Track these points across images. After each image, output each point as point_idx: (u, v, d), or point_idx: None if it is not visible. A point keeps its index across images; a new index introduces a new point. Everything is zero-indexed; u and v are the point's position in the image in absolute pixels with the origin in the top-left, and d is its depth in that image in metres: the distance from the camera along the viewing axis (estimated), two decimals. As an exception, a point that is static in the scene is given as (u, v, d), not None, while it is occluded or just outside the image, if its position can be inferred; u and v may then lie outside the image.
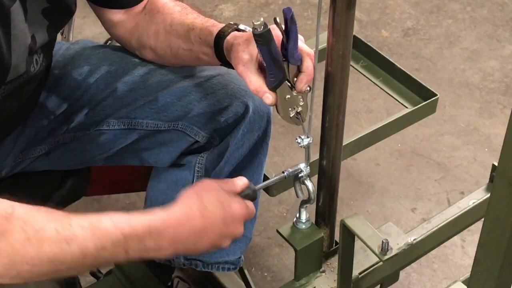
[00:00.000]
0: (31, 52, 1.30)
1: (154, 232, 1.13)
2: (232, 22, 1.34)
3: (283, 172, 1.36)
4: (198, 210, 1.18)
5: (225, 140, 1.49)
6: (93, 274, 1.71)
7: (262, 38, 1.15)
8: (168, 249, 1.15)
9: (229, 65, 1.32)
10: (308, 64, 1.23)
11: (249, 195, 1.26)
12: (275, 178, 1.35)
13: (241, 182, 1.27)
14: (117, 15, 1.45)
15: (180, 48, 1.40)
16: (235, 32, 1.31)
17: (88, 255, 1.07)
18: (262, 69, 1.24)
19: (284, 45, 1.19)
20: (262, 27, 1.15)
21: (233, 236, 1.23)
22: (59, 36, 1.95)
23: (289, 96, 1.24)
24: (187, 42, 1.38)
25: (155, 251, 1.14)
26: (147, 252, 1.13)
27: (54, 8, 1.30)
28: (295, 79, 1.23)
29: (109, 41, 1.83)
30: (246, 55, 1.24)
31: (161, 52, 1.44)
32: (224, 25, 1.34)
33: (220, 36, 1.31)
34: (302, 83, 1.23)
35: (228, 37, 1.30)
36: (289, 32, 1.17)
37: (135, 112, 1.48)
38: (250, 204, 1.26)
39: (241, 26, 1.33)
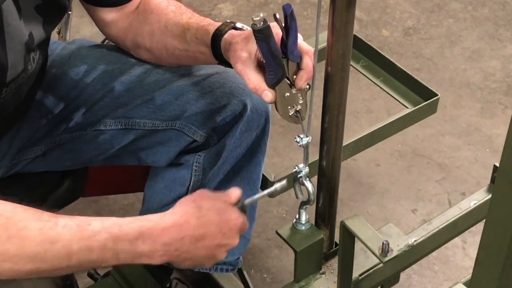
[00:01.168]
0: (29, 50, 1.29)
1: (146, 235, 1.11)
2: (229, 21, 1.34)
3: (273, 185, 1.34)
4: (194, 216, 1.16)
5: (223, 139, 1.49)
6: (90, 275, 1.71)
7: (261, 34, 1.15)
8: (161, 255, 1.13)
9: (226, 64, 1.32)
10: (307, 61, 1.22)
11: (242, 207, 1.25)
12: (265, 192, 1.33)
13: (235, 193, 1.25)
14: (109, 14, 1.44)
15: (176, 49, 1.39)
16: (233, 31, 1.30)
17: (73, 256, 1.06)
18: (261, 67, 1.23)
19: (284, 42, 1.19)
20: (262, 23, 1.14)
21: (229, 246, 1.21)
22: (56, 36, 1.95)
23: (288, 94, 1.24)
24: (183, 42, 1.37)
25: (148, 257, 1.13)
26: (139, 257, 1.12)
27: (47, 4, 1.30)
28: (295, 76, 1.23)
29: (106, 41, 1.82)
30: (245, 53, 1.23)
31: (157, 52, 1.44)
32: (220, 23, 1.33)
33: (217, 35, 1.31)
34: (302, 80, 1.23)
35: (226, 36, 1.30)
36: (289, 28, 1.17)
37: (132, 112, 1.48)
38: (244, 217, 1.25)
39: (238, 25, 1.32)
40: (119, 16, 1.44)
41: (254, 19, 1.14)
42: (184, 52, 1.38)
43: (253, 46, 1.22)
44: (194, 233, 1.16)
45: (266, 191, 1.33)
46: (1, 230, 1.03)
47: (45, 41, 1.37)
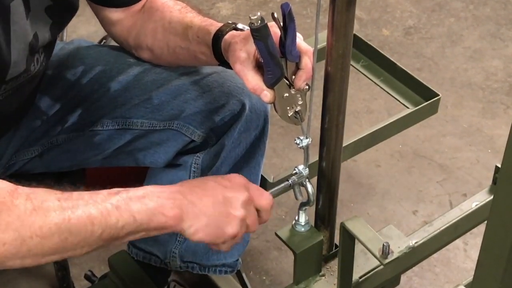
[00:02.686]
0: (33, 51, 1.30)
1: (150, 194, 1.13)
2: (230, 22, 1.34)
3: (287, 180, 1.34)
4: (194, 181, 1.20)
5: (222, 140, 1.49)
6: (87, 278, 1.71)
7: (259, 33, 1.15)
8: (172, 207, 1.13)
9: (227, 65, 1.32)
10: (306, 61, 1.22)
11: None
12: (281, 186, 1.33)
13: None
14: (115, 14, 1.45)
15: (178, 47, 1.39)
16: (233, 31, 1.31)
17: (96, 222, 1.07)
18: (260, 68, 1.23)
19: (282, 41, 1.19)
20: (259, 21, 1.14)
21: (236, 199, 1.19)
22: None
23: (287, 95, 1.23)
24: (185, 40, 1.37)
25: (161, 212, 1.12)
26: (154, 214, 1.12)
27: (58, 6, 1.31)
28: (293, 77, 1.22)
29: (104, 40, 1.83)
30: (244, 53, 1.23)
31: (158, 51, 1.43)
32: (222, 24, 1.34)
33: (218, 36, 1.31)
34: (301, 80, 1.22)
35: (226, 36, 1.30)
36: (287, 28, 1.17)
37: (130, 112, 1.48)
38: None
39: (239, 26, 1.33)
40: (125, 15, 1.45)
41: (252, 18, 1.14)
42: (186, 51, 1.38)
43: (252, 46, 1.21)
44: (195, 184, 1.18)
45: (282, 185, 1.33)
46: (25, 204, 1.04)
47: (50, 44, 1.38)
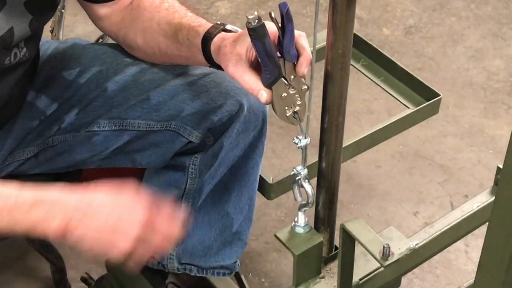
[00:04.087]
0: (6, 45, 1.29)
1: (48, 201, 1.14)
2: (219, 22, 1.33)
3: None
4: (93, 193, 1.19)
5: (219, 140, 1.48)
6: (84, 280, 1.71)
7: (256, 32, 1.15)
8: (58, 220, 1.13)
9: (218, 67, 1.31)
10: (303, 48, 1.21)
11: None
12: None
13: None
14: (103, 9, 1.45)
15: (169, 49, 1.39)
16: (222, 34, 1.30)
17: None
18: (255, 68, 1.23)
19: (280, 41, 1.18)
20: (256, 21, 1.14)
21: (126, 228, 1.16)
22: (49, 34, 1.94)
23: (285, 94, 1.23)
24: (176, 43, 1.36)
25: (45, 226, 1.13)
26: (36, 226, 1.13)
27: (38, 1, 1.30)
28: (292, 76, 1.22)
29: (100, 39, 1.82)
30: (234, 56, 1.23)
31: (150, 51, 1.43)
32: (211, 25, 1.32)
33: (207, 39, 1.30)
34: (302, 66, 1.21)
35: (215, 40, 1.29)
36: (285, 27, 1.16)
37: (127, 112, 1.47)
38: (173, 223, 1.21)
39: (228, 27, 1.32)
40: (112, 11, 1.44)
41: (249, 17, 1.14)
42: (177, 52, 1.38)
43: (243, 48, 1.21)
44: (91, 194, 1.18)
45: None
46: None
47: (32, 38, 1.36)
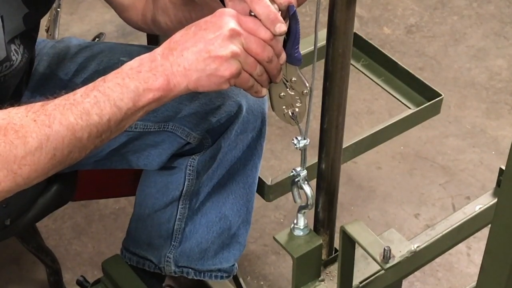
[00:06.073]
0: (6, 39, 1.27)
1: (130, 70, 1.08)
2: None
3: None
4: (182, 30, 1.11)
5: (218, 141, 1.48)
6: (80, 283, 1.72)
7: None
8: (155, 80, 1.07)
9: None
10: None
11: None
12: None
13: None
14: None
15: (193, 17, 1.32)
16: None
17: (77, 128, 1.06)
18: None
19: (285, 43, 1.17)
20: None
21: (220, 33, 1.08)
22: (44, 34, 1.93)
23: (283, 94, 1.22)
24: (196, 9, 1.31)
25: (146, 89, 1.07)
26: (138, 95, 1.07)
27: None
28: (293, 79, 1.20)
29: (97, 39, 1.81)
30: None
31: (178, 25, 1.34)
32: None
33: None
34: None
35: None
36: (290, 29, 1.15)
37: None
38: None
39: None
40: None
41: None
42: (201, 15, 1.26)
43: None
44: (173, 40, 1.10)
45: None
46: (4, 137, 1.04)
47: (28, 34, 1.35)
